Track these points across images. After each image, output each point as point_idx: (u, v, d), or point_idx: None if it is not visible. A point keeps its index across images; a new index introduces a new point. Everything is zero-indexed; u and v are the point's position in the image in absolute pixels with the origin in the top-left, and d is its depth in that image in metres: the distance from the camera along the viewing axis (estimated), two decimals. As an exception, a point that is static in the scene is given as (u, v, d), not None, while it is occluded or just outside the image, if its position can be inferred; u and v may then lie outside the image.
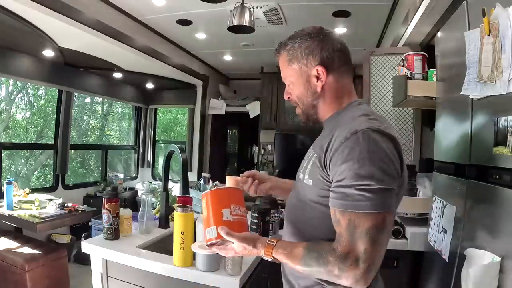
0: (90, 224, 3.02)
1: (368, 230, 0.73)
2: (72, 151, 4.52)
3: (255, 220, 1.47)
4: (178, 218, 1.16)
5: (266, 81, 5.04)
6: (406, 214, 1.82)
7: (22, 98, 4.30)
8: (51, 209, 2.86)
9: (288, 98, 0.99)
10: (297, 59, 0.93)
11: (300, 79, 0.94)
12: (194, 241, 1.16)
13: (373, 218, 0.73)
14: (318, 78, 0.92)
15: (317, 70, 0.91)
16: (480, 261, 0.92)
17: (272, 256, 0.84)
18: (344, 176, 0.76)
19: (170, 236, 1.32)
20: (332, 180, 0.80)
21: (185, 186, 1.57)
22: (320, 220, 0.85)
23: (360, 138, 0.76)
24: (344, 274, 0.73)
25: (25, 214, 2.66)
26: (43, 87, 4.17)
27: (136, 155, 5.45)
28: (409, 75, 1.72)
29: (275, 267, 1.00)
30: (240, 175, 1.14)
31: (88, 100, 5.09)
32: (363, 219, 0.73)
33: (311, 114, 0.96)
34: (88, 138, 5.18)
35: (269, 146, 5.16)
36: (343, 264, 0.73)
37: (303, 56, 0.92)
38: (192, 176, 4.87)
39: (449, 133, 1.33)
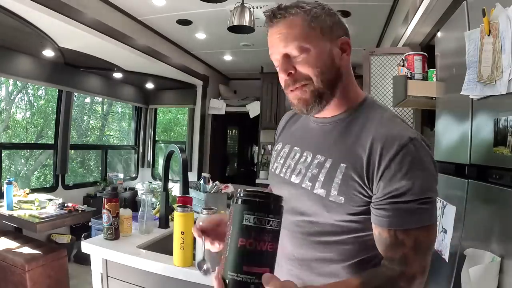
0: (90, 224, 3.02)
1: (430, 244, 0.69)
2: (72, 151, 4.52)
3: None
4: (178, 218, 1.16)
5: (266, 81, 5.04)
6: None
7: (22, 98, 4.29)
8: (51, 209, 2.86)
9: (290, 74, 0.75)
10: (322, 21, 0.74)
11: (323, 46, 0.74)
12: (194, 241, 1.16)
13: (433, 230, 0.69)
14: (343, 51, 0.77)
15: (343, 40, 0.77)
16: (480, 261, 0.92)
17: None
18: (404, 191, 0.66)
19: (170, 236, 1.32)
20: (377, 196, 0.69)
21: (185, 186, 1.57)
22: (347, 242, 0.74)
23: (417, 147, 0.68)
24: None
25: (25, 214, 2.66)
26: (43, 87, 4.17)
27: (136, 155, 5.44)
28: (409, 75, 1.72)
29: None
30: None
31: (88, 100, 5.09)
32: (426, 233, 0.67)
33: (326, 95, 0.75)
34: (88, 138, 5.18)
35: (269, 146, 5.16)
36: (413, 285, 0.67)
37: (326, 21, 0.75)
38: (192, 176, 4.87)
39: (449, 133, 1.33)
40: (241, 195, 0.55)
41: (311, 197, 0.76)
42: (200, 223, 0.81)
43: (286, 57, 0.75)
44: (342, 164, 0.73)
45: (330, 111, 0.80)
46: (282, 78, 0.77)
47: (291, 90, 0.77)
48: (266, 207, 0.54)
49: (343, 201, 0.71)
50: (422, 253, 0.67)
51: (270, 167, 0.95)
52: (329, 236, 0.75)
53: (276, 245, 0.55)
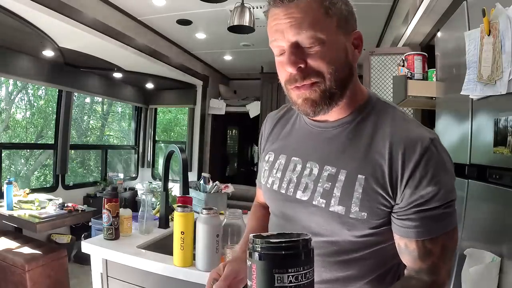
0: (90, 224, 3.02)
1: (454, 247, 0.66)
2: (72, 151, 4.52)
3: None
4: (178, 218, 1.16)
5: (266, 81, 5.04)
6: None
7: (22, 98, 4.29)
8: (51, 209, 2.86)
9: (300, 68, 0.64)
10: (339, 11, 0.64)
11: (338, 39, 0.65)
12: (194, 241, 1.16)
13: (457, 232, 0.66)
14: (356, 46, 0.69)
15: (356, 35, 0.68)
16: (480, 261, 0.92)
17: None
18: (430, 198, 0.62)
19: (170, 236, 1.32)
20: (401, 205, 0.64)
21: (185, 186, 1.57)
22: (367, 257, 0.68)
23: (438, 148, 0.63)
24: None
25: (25, 214, 2.66)
26: (43, 87, 4.17)
27: (136, 155, 5.44)
28: (409, 75, 1.72)
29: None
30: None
31: (88, 100, 5.09)
32: (451, 237, 0.65)
33: (337, 96, 0.66)
34: (88, 138, 5.18)
35: (269, 146, 5.16)
36: None
37: (343, 11, 0.65)
38: (192, 176, 4.87)
39: (449, 133, 1.33)
40: (263, 247, 0.43)
41: (326, 216, 0.67)
42: (214, 285, 0.69)
43: (296, 46, 0.63)
44: (360, 176, 0.65)
45: (334, 114, 0.70)
46: (287, 71, 0.65)
47: (297, 87, 0.66)
48: (299, 258, 0.43)
49: (365, 217, 0.64)
50: (449, 258, 0.65)
51: (262, 181, 0.83)
52: (349, 254, 0.68)
53: None
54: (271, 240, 0.43)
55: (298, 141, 0.78)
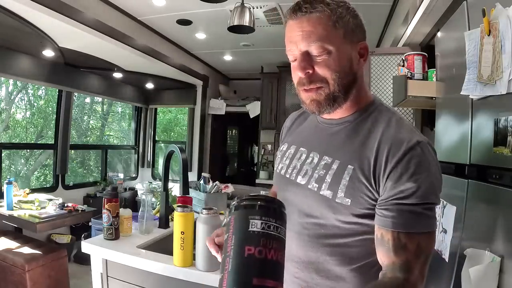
0: (90, 224, 3.02)
1: (429, 253, 0.68)
2: (72, 151, 4.52)
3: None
4: (178, 218, 1.16)
5: (266, 81, 5.04)
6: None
7: (22, 98, 4.29)
8: (51, 209, 2.86)
9: (307, 73, 0.74)
10: (346, 23, 0.73)
11: (344, 49, 0.73)
12: (194, 241, 1.16)
13: (434, 238, 0.69)
14: (361, 56, 0.77)
15: (362, 45, 0.77)
16: (480, 261, 0.92)
17: None
18: (409, 194, 0.66)
19: (170, 236, 1.32)
20: (382, 197, 0.69)
21: (185, 186, 1.57)
22: (353, 245, 0.73)
23: (424, 150, 0.68)
24: None
25: (25, 214, 2.66)
26: (43, 87, 4.17)
27: (136, 155, 5.44)
28: (409, 75, 1.72)
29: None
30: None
31: (88, 100, 5.09)
32: (428, 240, 0.67)
33: (340, 99, 0.75)
34: (88, 138, 5.18)
35: (269, 146, 5.17)
36: None
37: (350, 23, 0.74)
38: (192, 176, 4.87)
39: (449, 133, 1.33)
40: (244, 199, 0.50)
41: (317, 199, 0.75)
42: (216, 238, 0.76)
43: (306, 55, 0.73)
44: (349, 166, 0.73)
45: (339, 113, 0.80)
46: (297, 75, 0.76)
47: (305, 90, 0.76)
48: (273, 212, 0.49)
49: (349, 203, 0.71)
50: (422, 261, 0.66)
51: (274, 168, 0.94)
52: (336, 238, 0.74)
53: (284, 257, 0.48)
54: (250, 195, 0.51)
55: (307, 135, 0.89)
